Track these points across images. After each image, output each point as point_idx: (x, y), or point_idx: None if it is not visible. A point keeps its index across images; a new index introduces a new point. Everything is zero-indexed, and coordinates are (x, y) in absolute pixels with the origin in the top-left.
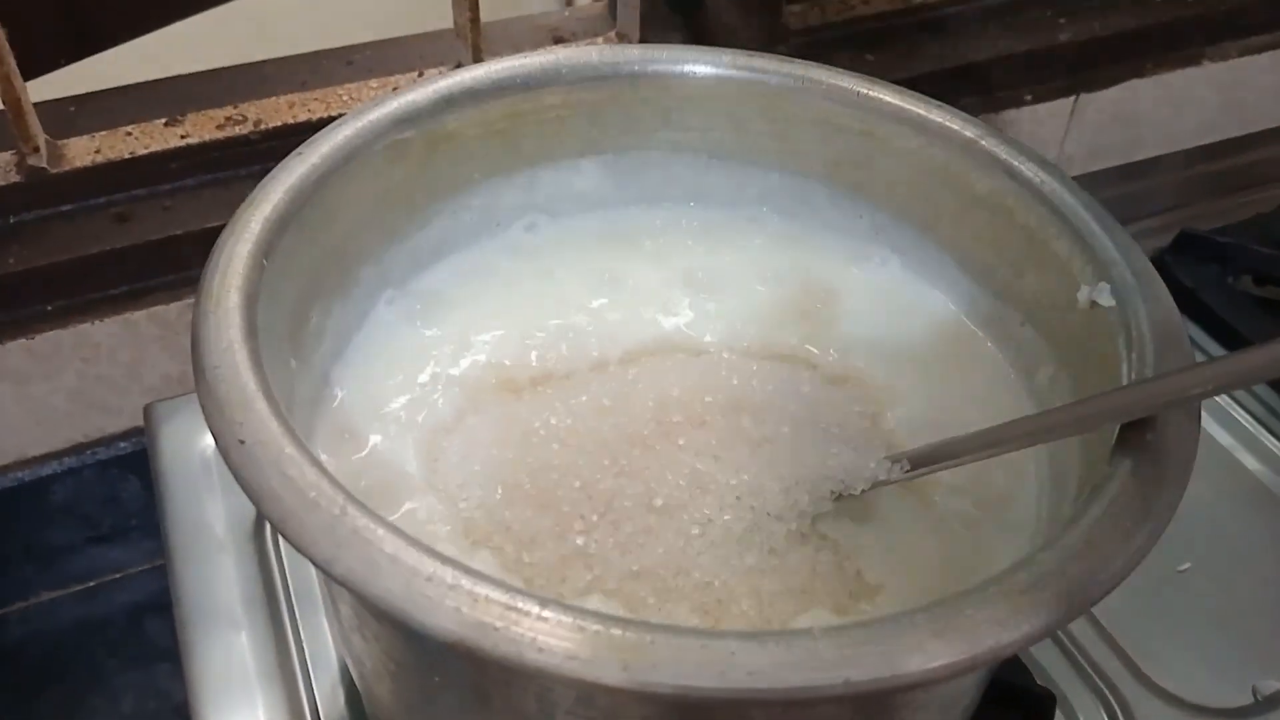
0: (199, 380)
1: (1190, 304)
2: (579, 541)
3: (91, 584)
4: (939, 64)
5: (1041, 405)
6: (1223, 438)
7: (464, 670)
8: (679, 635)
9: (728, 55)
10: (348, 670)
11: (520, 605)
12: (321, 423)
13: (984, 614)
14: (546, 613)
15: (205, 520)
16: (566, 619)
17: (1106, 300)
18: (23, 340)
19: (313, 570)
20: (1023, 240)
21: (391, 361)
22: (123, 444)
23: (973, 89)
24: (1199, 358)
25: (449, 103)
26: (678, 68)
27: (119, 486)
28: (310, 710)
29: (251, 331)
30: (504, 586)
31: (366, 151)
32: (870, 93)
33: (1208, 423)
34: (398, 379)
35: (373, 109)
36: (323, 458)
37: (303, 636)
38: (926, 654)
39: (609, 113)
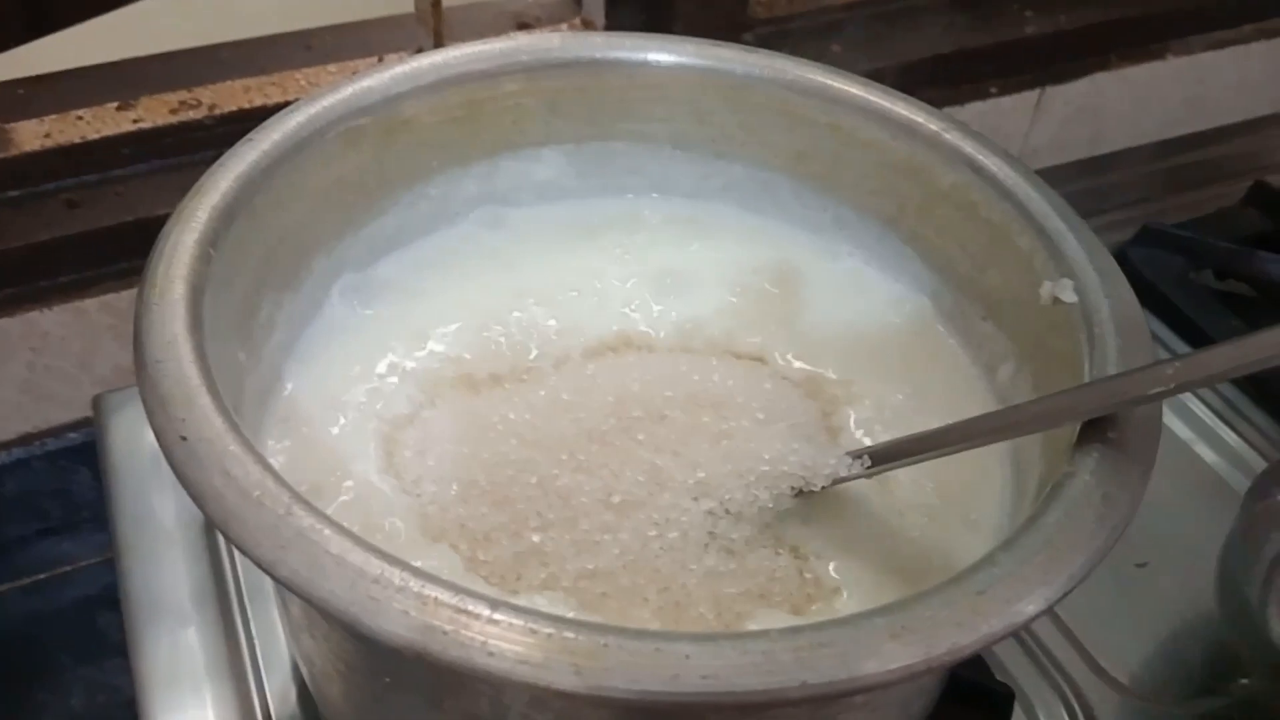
0: (140, 375)
1: (1152, 298)
2: (535, 539)
3: (42, 577)
4: (905, 55)
5: (1003, 401)
6: (1181, 431)
7: (414, 673)
8: (633, 638)
9: (692, 44)
10: (299, 668)
11: (470, 608)
12: (271, 418)
13: (942, 615)
14: (497, 615)
15: (155, 513)
16: (518, 622)
17: (1069, 296)
18: None
19: None
20: (986, 235)
21: (345, 354)
22: (73, 435)
23: (938, 81)
24: (1161, 354)
25: (406, 90)
26: (640, 56)
27: (69, 478)
28: (261, 707)
29: (196, 324)
30: (453, 588)
31: (320, 139)
32: (835, 84)
33: (1167, 416)
34: (351, 372)
35: (326, 95)
36: (272, 454)
37: (254, 633)
38: (883, 656)
39: (571, 101)
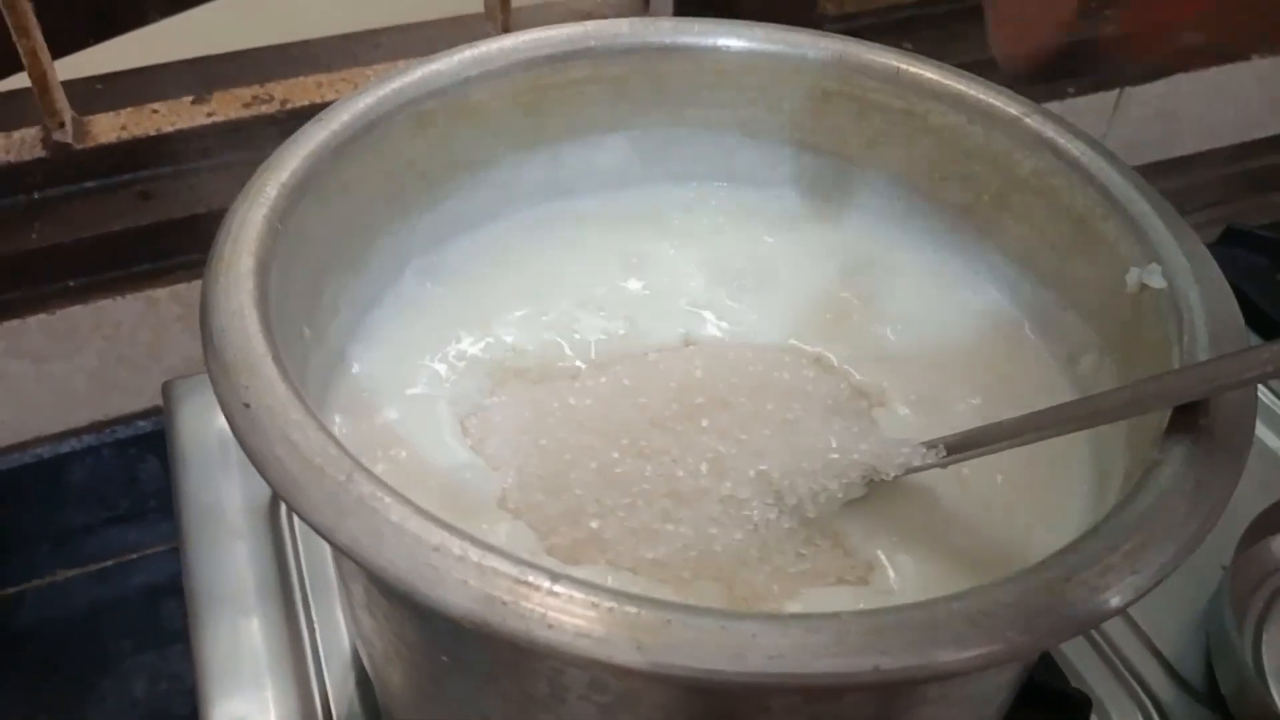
0: (206, 344)
1: (1237, 300)
2: (593, 525)
3: (108, 564)
4: (978, 53)
5: (1084, 393)
6: (1270, 440)
7: (473, 650)
8: (698, 615)
9: (761, 29)
10: (359, 657)
11: (530, 579)
12: (335, 397)
13: (1025, 602)
14: (558, 588)
15: (220, 501)
16: (579, 595)
17: (1157, 282)
18: (43, 316)
19: (328, 554)
20: (1068, 222)
21: (408, 338)
22: (142, 423)
23: (1013, 80)
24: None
25: (474, 74)
26: (709, 41)
27: (138, 467)
28: (320, 696)
29: (263, 297)
30: (513, 559)
31: (388, 121)
32: (909, 68)
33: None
34: (413, 355)
35: (396, 78)
36: (335, 429)
37: (315, 622)
38: (961, 643)
39: (637, 87)
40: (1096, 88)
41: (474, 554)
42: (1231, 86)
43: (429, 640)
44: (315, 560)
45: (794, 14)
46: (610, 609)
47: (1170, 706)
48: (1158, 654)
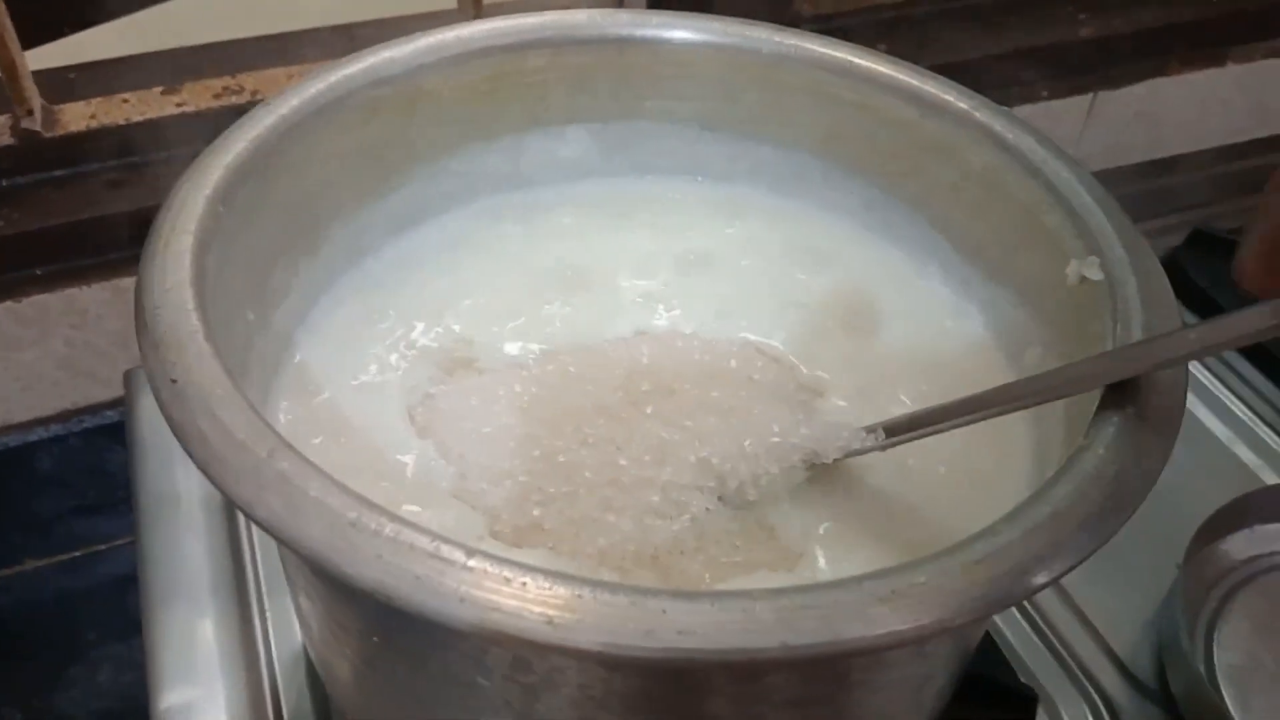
0: (138, 320)
1: (1201, 302)
2: (535, 513)
3: (77, 554)
4: (954, 55)
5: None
6: (1227, 438)
7: (398, 630)
8: (609, 591)
9: (719, 23)
10: (307, 647)
11: (445, 554)
12: (281, 382)
13: (935, 582)
14: (472, 563)
15: (178, 492)
16: (492, 570)
17: (1095, 274)
18: (9, 304)
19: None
20: (1016, 215)
21: (358, 325)
22: (110, 413)
23: (987, 82)
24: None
25: (429, 62)
26: (667, 34)
27: (106, 456)
28: (270, 686)
29: (199, 276)
30: (430, 535)
31: (339, 106)
32: (864, 63)
33: (1206, 417)
34: (362, 343)
35: (348, 64)
36: (281, 415)
37: (268, 614)
38: (870, 620)
39: (596, 79)
40: (1070, 91)
41: (390, 529)
42: (1210, 90)
43: (359, 620)
44: (270, 553)
45: (769, 14)
46: (524, 584)
47: (1120, 704)
48: (1109, 651)
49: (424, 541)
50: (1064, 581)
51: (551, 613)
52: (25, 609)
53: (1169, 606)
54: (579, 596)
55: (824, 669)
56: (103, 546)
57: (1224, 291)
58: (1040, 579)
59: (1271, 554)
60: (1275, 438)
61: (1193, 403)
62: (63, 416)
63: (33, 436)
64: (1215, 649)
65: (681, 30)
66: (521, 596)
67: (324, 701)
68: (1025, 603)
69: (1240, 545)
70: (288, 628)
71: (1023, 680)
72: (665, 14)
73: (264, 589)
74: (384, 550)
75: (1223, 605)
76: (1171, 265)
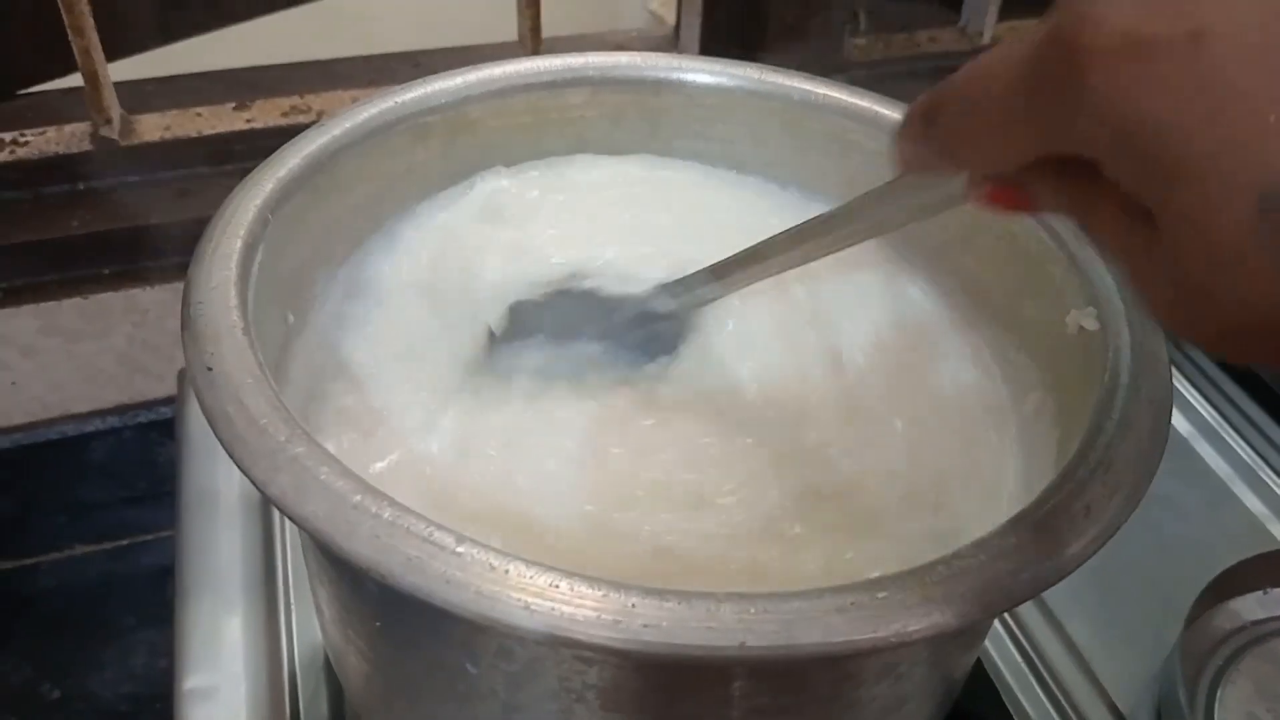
0: (184, 314)
1: (1235, 365)
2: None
3: (122, 542)
4: None
5: (1026, 432)
6: (1241, 491)
7: (395, 612)
8: (583, 582)
9: (754, 70)
10: (324, 639)
11: (436, 539)
12: (311, 380)
13: (895, 599)
14: (460, 549)
15: (220, 490)
16: (480, 556)
17: (1091, 324)
18: (77, 299)
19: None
20: (1024, 265)
21: (393, 332)
22: (164, 409)
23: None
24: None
25: (475, 94)
26: (699, 78)
27: (157, 450)
28: (289, 680)
29: (243, 277)
30: (426, 521)
31: (387, 130)
32: (885, 111)
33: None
34: (396, 350)
35: (400, 92)
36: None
37: (293, 613)
38: (827, 629)
39: (631, 117)
40: None
41: (389, 513)
42: None
43: (362, 604)
44: (300, 554)
45: (821, 58)
46: (507, 571)
47: None
48: (1111, 704)
49: (419, 526)
50: (1070, 630)
51: (529, 599)
52: (68, 591)
53: (1170, 664)
54: (555, 586)
55: (790, 677)
56: (148, 537)
57: None
58: (998, 605)
59: None
60: None
61: (1204, 449)
62: (119, 410)
63: (89, 427)
64: (1216, 710)
65: (714, 75)
66: (503, 582)
67: (338, 697)
68: (1028, 648)
69: (1251, 607)
70: (310, 626)
71: (1011, 713)
72: (700, 59)
73: (291, 588)
74: (381, 531)
75: (1228, 666)
76: None
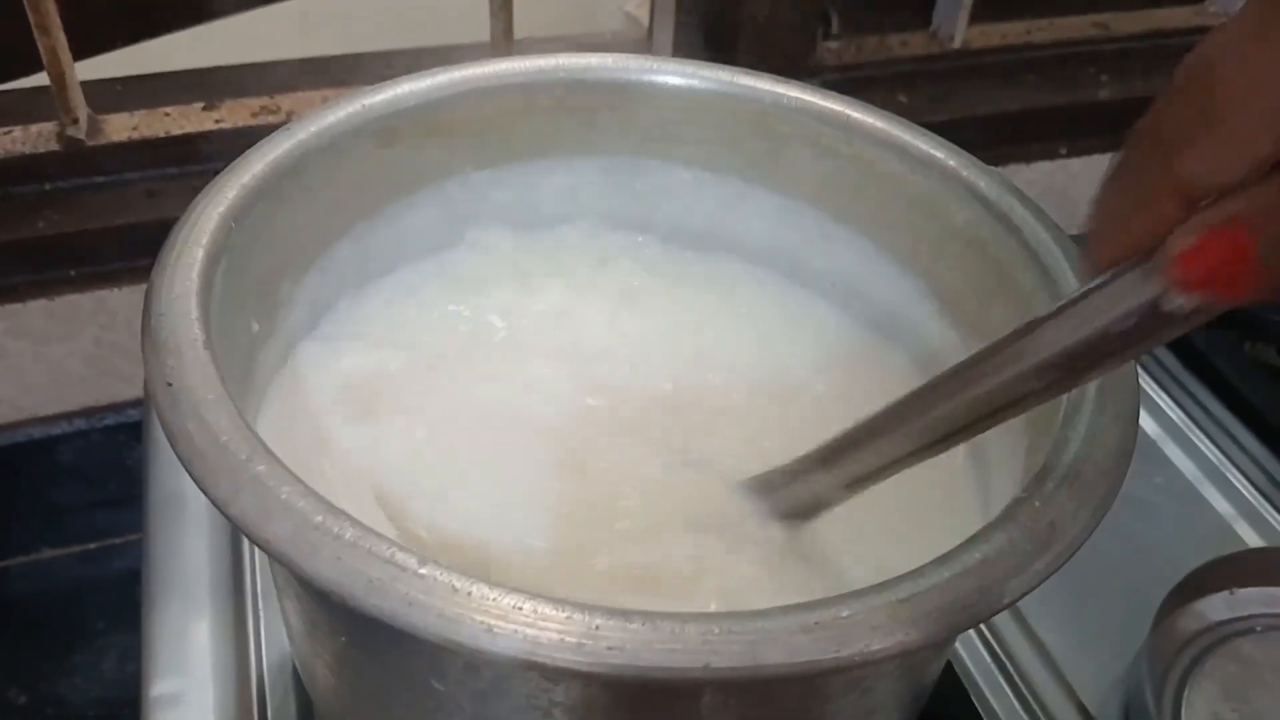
0: (144, 325)
1: (1203, 368)
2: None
3: (91, 546)
4: (972, 110)
5: (993, 439)
6: (1210, 494)
7: (360, 632)
8: (550, 604)
9: (725, 72)
10: (293, 652)
11: (399, 561)
12: (276, 388)
13: (859, 617)
14: (423, 570)
15: (187, 494)
16: (442, 579)
17: None
18: (44, 301)
19: None
20: (994, 273)
21: (361, 340)
22: (133, 411)
23: (1006, 138)
24: (1204, 424)
25: (444, 96)
26: (670, 80)
27: (126, 453)
28: (257, 687)
29: (206, 287)
30: (388, 542)
31: (355, 136)
32: (857, 116)
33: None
34: (362, 355)
35: (366, 95)
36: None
37: (261, 620)
38: (791, 649)
39: (603, 118)
40: (1089, 150)
41: (350, 534)
42: None
43: (328, 620)
44: (269, 559)
45: (792, 60)
46: (469, 594)
47: None
48: (1080, 705)
49: (381, 548)
50: (1040, 632)
51: (491, 621)
52: (38, 595)
53: (1137, 665)
54: (519, 608)
55: (756, 694)
56: (118, 540)
57: (1227, 358)
58: (963, 622)
59: (1249, 617)
60: (1252, 490)
61: (1172, 451)
62: (87, 412)
63: (57, 430)
64: (1184, 710)
65: (685, 78)
66: (466, 605)
67: (307, 705)
68: (998, 650)
69: (1218, 607)
70: (278, 633)
71: None
72: (671, 61)
73: (260, 594)
74: (343, 553)
75: (1194, 666)
76: None
